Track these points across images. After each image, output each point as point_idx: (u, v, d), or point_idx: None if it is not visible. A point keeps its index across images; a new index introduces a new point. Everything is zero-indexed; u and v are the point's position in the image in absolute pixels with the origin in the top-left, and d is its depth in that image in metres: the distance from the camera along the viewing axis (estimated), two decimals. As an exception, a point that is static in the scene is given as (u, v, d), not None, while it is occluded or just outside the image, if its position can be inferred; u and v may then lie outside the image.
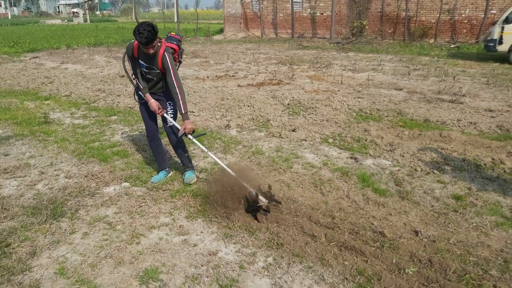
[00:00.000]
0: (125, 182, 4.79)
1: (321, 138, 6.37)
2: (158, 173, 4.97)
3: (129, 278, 3.12)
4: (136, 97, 4.71)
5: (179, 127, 4.43)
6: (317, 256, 3.38)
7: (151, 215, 4.03)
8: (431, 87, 10.60)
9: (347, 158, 5.61)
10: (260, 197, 3.93)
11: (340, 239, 3.59)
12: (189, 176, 4.82)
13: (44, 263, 3.28)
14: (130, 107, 8.56)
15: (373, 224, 3.90)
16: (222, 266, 3.25)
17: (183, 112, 4.31)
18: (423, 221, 3.99)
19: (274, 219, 3.89)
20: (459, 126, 6.97)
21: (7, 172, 5.08)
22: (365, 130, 6.68)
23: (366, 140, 6.23)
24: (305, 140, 6.30)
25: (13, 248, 3.43)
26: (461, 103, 8.75)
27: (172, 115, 4.63)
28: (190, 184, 4.73)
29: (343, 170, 5.10)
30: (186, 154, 4.91)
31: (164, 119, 4.62)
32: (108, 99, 9.46)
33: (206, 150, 4.47)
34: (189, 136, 4.40)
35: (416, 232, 3.75)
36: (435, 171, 5.04)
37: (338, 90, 10.04)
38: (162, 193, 4.50)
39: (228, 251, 3.46)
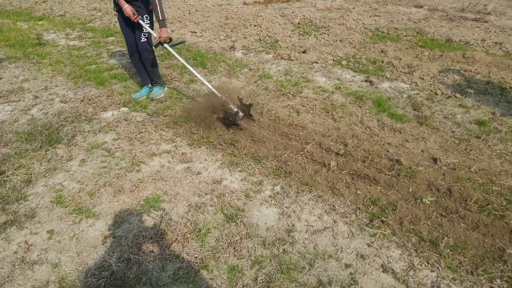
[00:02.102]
0: (123, 107, 4.49)
1: (334, 60, 5.89)
2: (141, 88, 4.85)
3: (130, 206, 2.95)
4: (115, 7, 4.29)
5: (155, 35, 4.17)
6: (327, 185, 3.16)
7: (152, 141, 3.79)
8: (454, 4, 9.71)
9: (361, 81, 5.19)
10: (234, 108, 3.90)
11: (352, 167, 3.35)
12: (156, 91, 4.71)
13: (40, 191, 3.11)
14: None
15: (388, 151, 3.62)
16: (227, 194, 3.06)
17: (161, 18, 4.06)
18: (443, 148, 3.70)
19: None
20: (483, 47, 6.39)
21: (0, 97, 4.79)
22: (382, 51, 6.16)
23: (382, 62, 5.75)
24: (317, 62, 5.83)
25: (7, 176, 3.25)
26: (485, 22, 8.02)
27: (149, 23, 4.34)
28: (155, 99, 4.59)
29: (357, 95, 4.72)
30: (156, 70, 4.73)
31: (139, 33, 4.34)
32: (104, 18, 8.84)
33: (182, 60, 4.21)
34: (165, 45, 4.16)
35: (435, 160, 3.48)
36: (457, 95, 4.65)
37: (353, 8, 9.24)
38: (163, 119, 4.22)
39: (234, 179, 3.25)
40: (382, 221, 2.78)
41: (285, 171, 3.34)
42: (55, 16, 9.12)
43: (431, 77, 5.04)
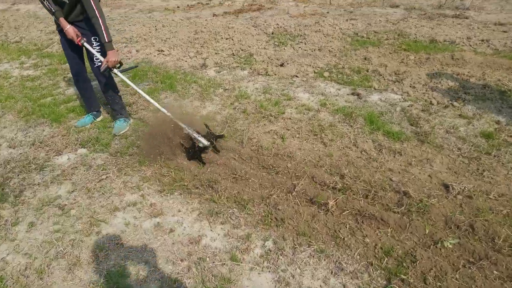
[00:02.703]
0: (81, 147, 3.86)
1: (315, 72, 5.40)
2: (85, 116, 4.37)
3: (88, 286, 2.34)
4: (57, 27, 3.78)
5: (103, 60, 3.64)
6: (328, 233, 2.63)
7: (114, 192, 3.18)
8: (430, 1, 9.42)
9: (348, 94, 4.71)
10: (201, 139, 3.42)
11: (354, 206, 2.83)
12: (119, 125, 4.12)
13: (-28, 276, 2.46)
14: (88, 51, 7.32)
15: (391, 180, 3.12)
16: (208, 259, 2.49)
17: (106, 40, 3.51)
18: (452, 170, 3.23)
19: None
20: (470, 45, 6.02)
21: None
22: (365, 58, 5.71)
23: (367, 71, 5.28)
24: (297, 76, 5.32)
25: None
26: (466, 18, 7.71)
27: (99, 51, 3.77)
28: (118, 135, 4.01)
29: (345, 111, 4.23)
30: (118, 99, 4.16)
31: (91, 57, 3.80)
32: (62, 42, 8.12)
33: (135, 87, 3.70)
34: (115, 70, 3.65)
35: (447, 187, 3.00)
36: (454, 103, 4.21)
37: (327, 12, 8.82)
38: (128, 159, 3.61)
39: (215, 235, 2.68)
40: (402, 280, 2.25)
41: (275, 218, 2.80)
42: (10, 43, 8.37)
43: (423, 85, 4.60)
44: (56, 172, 3.52)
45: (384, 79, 4.99)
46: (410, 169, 3.26)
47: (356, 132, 3.85)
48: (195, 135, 3.44)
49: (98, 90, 4.96)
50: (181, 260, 2.49)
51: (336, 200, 2.89)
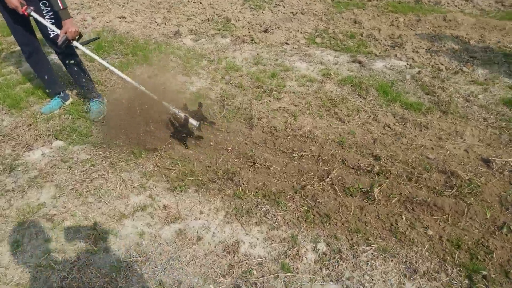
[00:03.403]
0: (56, 139, 3.18)
1: (305, 38, 4.94)
2: (50, 100, 3.68)
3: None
4: None
5: (59, 32, 3.02)
6: (384, 226, 2.30)
7: (114, 194, 2.62)
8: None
9: (348, 62, 4.32)
10: (191, 120, 2.99)
11: (402, 192, 2.52)
12: (97, 108, 3.51)
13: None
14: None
15: (429, 157, 2.83)
16: (255, 271, 2.07)
17: (61, 7, 2.89)
18: (484, 142, 3.01)
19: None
20: (456, 6, 5.84)
21: None
22: (355, 22, 5.32)
23: (361, 35, 4.92)
24: (287, 43, 4.83)
25: None
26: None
27: (51, 19, 3.12)
28: (98, 120, 3.43)
29: (352, 81, 3.85)
30: (86, 76, 3.52)
31: (43, 29, 3.14)
32: None
33: (103, 62, 3.12)
34: (74, 43, 3.05)
35: (487, 162, 2.77)
36: (464, 69, 3.98)
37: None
38: (119, 151, 3.02)
39: (253, 239, 2.26)
40: (484, 277, 1.98)
41: (318, 213, 2.41)
42: None
43: (426, 50, 4.33)
44: (32, 173, 2.85)
45: (381, 44, 4.66)
46: (443, 144, 2.99)
47: (372, 105, 3.51)
48: (184, 115, 2.96)
49: (58, 66, 4.18)
50: (223, 276, 2.05)
51: (380, 186, 2.55)
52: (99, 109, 3.49)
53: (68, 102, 3.70)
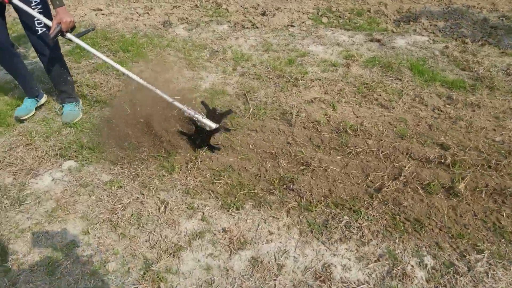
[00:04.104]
0: (65, 159, 2.65)
1: (310, 19, 4.55)
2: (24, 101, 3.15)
3: None
4: None
5: (51, 24, 2.51)
6: (487, 227, 2.02)
7: (159, 220, 2.18)
8: None
9: (366, 42, 4.00)
10: (206, 121, 2.50)
11: (489, 184, 2.25)
12: (71, 111, 3.05)
13: None
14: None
15: (495, 140, 2.59)
16: (364, 302, 1.71)
17: None
18: (544, 118, 2.78)
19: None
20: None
21: None
22: (357, -2, 4.98)
23: (369, 12, 4.60)
24: (292, 25, 4.44)
25: None
26: None
27: (39, 8, 2.61)
28: (71, 124, 2.97)
29: (380, 62, 3.55)
30: (68, 77, 3.05)
31: (32, 22, 2.64)
32: None
33: (103, 57, 2.61)
34: (68, 35, 2.53)
35: (559, 140, 2.54)
36: (489, 39, 3.76)
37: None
38: (143, 166, 2.54)
39: (344, 260, 1.92)
40: None
41: (406, 219, 2.08)
42: None
43: (443, 22, 4.06)
44: (47, 204, 2.33)
45: (391, 20, 4.36)
46: (504, 124, 2.74)
47: (412, 87, 3.22)
48: (199, 116, 2.50)
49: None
50: (329, 314, 1.68)
51: (464, 180, 2.25)
52: (75, 112, 3.04)
53: (43, 100, 3.20)
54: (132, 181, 2.46)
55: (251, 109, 3.05)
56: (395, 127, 2.80)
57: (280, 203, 2.25)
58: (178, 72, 3.68)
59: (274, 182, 2.37)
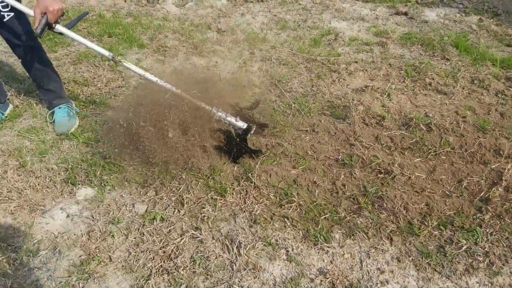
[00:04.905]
0: (78, 185, 2.03)
1: (320, -9, 4.01)
2: None
3: None
4: None
5: (32, 13, 1.87)
6: None
7: (235, 265, 1.66)
8: None
9: (391, 15, 3.59)
10: (238, 122, 2.08)
11: None
12: (63, 117, 2.38)
13: None
14: None
15: None
16: None
17: None
18: None
19: None
20: None
21: None
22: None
23: (382, -19, 4.12)
24: (302, -3, 3.87)
25: None
26: None
27: None
28: (68, 134, 2.31)
29: (418, 39, 3.18)
30: (49, 71, 2.37)
31: None
32: None
33: (99, 49, 2.06)
34: (58, 27, 1.94)
35: None
36: None
37: None
38: (182, 188, 2.01)
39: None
40: None
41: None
42: None
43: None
44: (71, 254, 1.73)
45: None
46: None
47: (463, 68, 2.86)
48: (231, 119, 2.04)
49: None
50: None
51: None
52: (68, 118, 2.37)
53: (8, 111, 2.47)
54: (177, 210, 1.90)
55: (293, 104, 2.53)
56: (463, 117, 2.42)
57: (375, 227, 1.81)
58: (186, 59, 3.06)
59: (358, 199, 1.91)
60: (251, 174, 2.04)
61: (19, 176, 2.06)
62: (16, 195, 1.96)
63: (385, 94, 2.59)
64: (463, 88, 2.67)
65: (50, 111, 2.46)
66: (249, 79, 2.82)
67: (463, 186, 2.01)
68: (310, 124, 2.40)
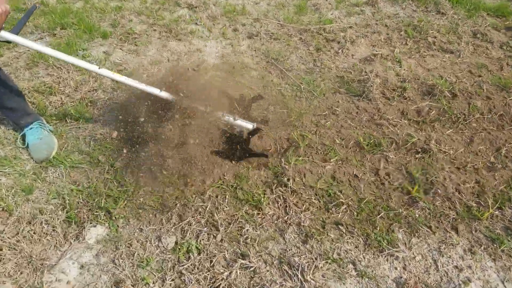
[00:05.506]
0: (85, 226, 1.69)
1: None
2: None
3: None
4: None
5: None
6: None
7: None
8: None
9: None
10: (243, 123, 1.81)
11: None
12: (39, 140, 1.98)
13: None
14: None
15: None
16: None
17: None
18: None
19: None
20: None
21: None
22: None
23: None
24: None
25: None
26: None
27: None
28: (51, 160, 1.95)
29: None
30: (8, 83, 1.92)
31: None
32: None
33: (59, 55, 1.69)
34: (3, 33, 1.57)
35: None
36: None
37: None
38: (214, 204, 1.74)
39: None
40: None
41: None
42: None
43: None
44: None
45: None
46: None
47: (461, 21, 2.72)
48: (239, 121, 1.80)
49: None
50: None
51: None
52: (45, 140, 1.97)
53: None
54: (212, 236, 1.64)
55: (301, 85, 2.27)
56: (479, 76, 2.30)
57: (435, 218, 1.66)
58: (162, 46, 2.64)
59: (408, 188, 1.75)
60: (284, 177, 1.79)
61: (5, 226, 1.66)
62: (10, 253, 1.58)
63: (396, 61, 2.38)
64: (468, 44, 2.54)
65: (20, 134, 2.01)
66: (242, 61, 2.49)
67: (503, 154, 1.90)
68: (328, 107, 2.17)
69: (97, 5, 3.01)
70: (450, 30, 2.62)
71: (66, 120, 2.14)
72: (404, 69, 2.34)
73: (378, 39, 2.58)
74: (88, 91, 2.32)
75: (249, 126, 1.80)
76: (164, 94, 1.69)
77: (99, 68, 1.66)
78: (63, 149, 1.99)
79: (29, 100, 2.21)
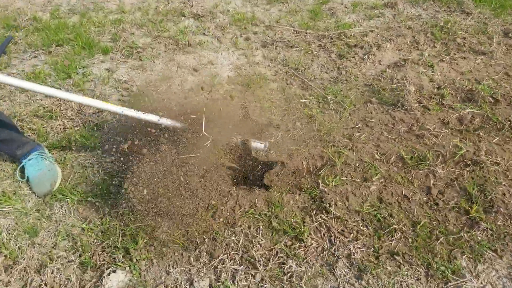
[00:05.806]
0: (105, 270, 1.45)
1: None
2: None
3: None
4: None
5: None
6: None
7: None
8: None
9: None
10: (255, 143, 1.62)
11: None
12: (40, 171, 1.76)
13: None
14: None
15: None
16: None
17: None
18: None
19: None
20: None
21: None
22: None
23: None
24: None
25: None
26: None
27: None
28: (55, 193, 1.72)
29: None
30: (7, 124, 1.78)
31: None
32: None
33: (43, 89, 1.50)
34: None
35: None
36: None
37: None
38: (247, 237, 1.51)
39: None
40: None
41: None
42: None
43: None
44: None
45: None
46: None
47: (490, 21, 2.56)
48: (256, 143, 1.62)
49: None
50: None
51: None
52: (47, 171, 1.74)
53: None
54: (250, 276, 1.41)
55: (327, 96, 2.07)
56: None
57: (500, 240, 1.45)
58: (170, 60, 2.43)
59: (465, 207, 1.54)
60: (324, 202, 1.57)
61: (10, 276, 1.42)
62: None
63: (428, 65, 2.19)
64: (499, 44, 2.36)
65: (18, 167, 1.78)
66: (258, 72, 2.29)
67: None
68: (360, 119, 1.97)
69: (95, 19, 2.80)
70: (479, 30, 2.45)
71: (70, 147, 1.91)
72: (438, 74, 2.14)
73: (404, 42, 2.39)
74: (93, 113, 2.09)
75: (261, 146, 1.61)
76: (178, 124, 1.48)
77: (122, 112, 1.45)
78: (69, 180, 1.76)
79: (28, 126, 1.98)
